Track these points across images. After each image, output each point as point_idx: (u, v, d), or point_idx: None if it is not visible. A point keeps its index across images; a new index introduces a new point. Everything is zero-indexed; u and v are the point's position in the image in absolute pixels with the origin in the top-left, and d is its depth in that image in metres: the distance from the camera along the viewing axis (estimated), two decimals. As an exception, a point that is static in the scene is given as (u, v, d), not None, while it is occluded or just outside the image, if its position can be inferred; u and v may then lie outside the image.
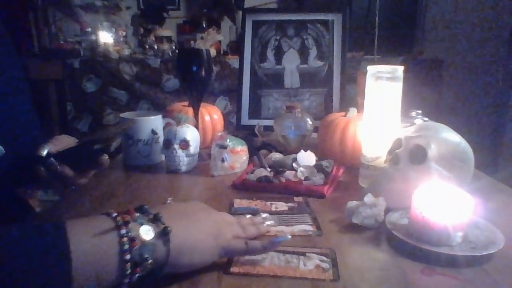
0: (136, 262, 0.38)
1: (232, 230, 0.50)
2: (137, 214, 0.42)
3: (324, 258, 0.49)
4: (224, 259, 0.48)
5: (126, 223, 0.39)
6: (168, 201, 0.59)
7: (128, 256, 0.38)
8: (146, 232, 0.40)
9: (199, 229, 0.46)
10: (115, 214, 0.40)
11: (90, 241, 0.37)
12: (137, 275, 0.39)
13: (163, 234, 0.41)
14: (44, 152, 0.67)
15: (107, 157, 0.68)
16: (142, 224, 0.41)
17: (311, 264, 0.48)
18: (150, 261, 0.39)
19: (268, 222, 0.57)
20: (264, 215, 0.59)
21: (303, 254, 0.50)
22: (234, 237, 0.49)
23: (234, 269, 0.47)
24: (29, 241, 0.35)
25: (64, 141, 0.73)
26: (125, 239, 0.38)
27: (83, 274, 0.36)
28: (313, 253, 0.51)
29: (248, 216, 0.57)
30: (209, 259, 0.45)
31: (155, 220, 0.42)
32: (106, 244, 0.38)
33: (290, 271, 0.47)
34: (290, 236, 0.51)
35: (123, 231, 0.38)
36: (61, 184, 0.69)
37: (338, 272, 0.47)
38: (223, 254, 0.47)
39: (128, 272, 0.38)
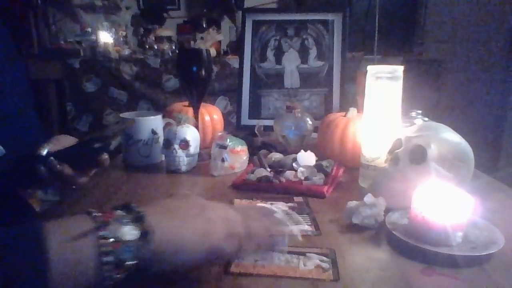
0: (115, 264, 0.37)
1: (229, 227, 0.45)
2: (120, 213, 0.41)
3: (324, 258, 0.50)
4: None
5: (106, 224, 0.38)
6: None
7: (107, 258, 0.37)
8: (127, 232, 0.39)
9: (185, 228, 0.43)
10: (95, 214, 0.39)
11: (68, 243, 0.36)
12: (117, 276, 0.37)
13: (145, 234, 0.40)
14: (44, 152, 0.66)
15: (107, 156, 0.68)
16: (123, 224, 0.39)
17: (311, 264, 0.48)
18: (130, 262, 0.38)
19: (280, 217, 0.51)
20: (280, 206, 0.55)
21: (303, 254, 0.50)
22: (229, 235, 0.45)
23: (234, 269, 0.47)
24: (4, 243, 0.34)
25: (64, 141, 0.73)
26: (104, 240, 0.37)
27: (61, 277, 0.35)
28: (313, 253, 0.51)
29: (276, 211, 0.52)
30: (196, 260, 0.42)
31: (138, 219, 0.41)
32: (84, 246, 0.37)
33: (290, 271, 0.47)
34: (287, 240, 0.47)
35: (102, 232, 0.37)
36: (61, 184, 0.69)
37: (338, 272, 0.47)
38: (212, 255, 0.43)
39: (107, 274, 0.37)
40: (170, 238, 0.42)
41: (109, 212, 0.41)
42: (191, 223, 0.44)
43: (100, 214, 0.40)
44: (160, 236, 0.41)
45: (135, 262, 0.38)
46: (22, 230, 0.37)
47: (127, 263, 0.38)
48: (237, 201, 0.69)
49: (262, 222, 0.48)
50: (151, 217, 0.41)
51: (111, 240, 0.38)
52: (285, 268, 0.47)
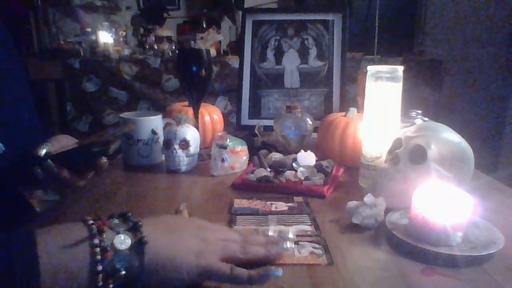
0: (108, 273, 0.37)
1: (226, 248, 0.45)
2: (116, 221, 0.41)
3: (316, 245, 0.53)
4: None
5: (100, 232, 0.38)
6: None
7: (100, 267, 0.36)
8: (121, 242, 0.38)
9: (180, 244, 0.42)
10: (91, 222, 0.39)
11: (60, 252, 0.36)
12: (110, 286, 0.37)
13: (139, 244, 0.39)
14: (43, 152, 0.66)
15: (105, 160, 0.68)
16: (118, 233, 0.39)
17: (305, 251, 0.51)
18: (123, 272, 0.38)
19: (288, 245, 0.51)
20: (290, 235, 0.54)
21: (297, 243, 0.53)
22: (224, 258, 0.44)
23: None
24: None
25: (63, 141, 0.73)
26: (97, 249, 0.37)
27: (53, 285, 0.35)
28: (305, 241, 0.53)
29: (270, 233, 0.54)
30: (186, 277, 0.41)
31: (134, 229, 0.41)
32: (77, 255, 0.37)
33: (287, 258, 0.49)
34: (281, 271, 0.43)
35: (96, 241, 0.37)
36: (58, 186, 0.69)
37: (331, 257, 0.49)
38: (204, 276, 0.42)
39: (100, 284, 0.37)
40: (163, 252, 0.41)
41: (104, 219, 0.40)
42: (186, 241, 0.43)
43: (94, 222, 0.39)
44: (153, 249, 0.40)
45: (127, 272, 0.38)
46: (14, 237, 0.36)
47: (120, 272, 0.37)
48: (237, 201, 0.69)
49: (262, 247, 0.48)
50: (147, 228, 0.41)
51: (104, 249, 0.37)
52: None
